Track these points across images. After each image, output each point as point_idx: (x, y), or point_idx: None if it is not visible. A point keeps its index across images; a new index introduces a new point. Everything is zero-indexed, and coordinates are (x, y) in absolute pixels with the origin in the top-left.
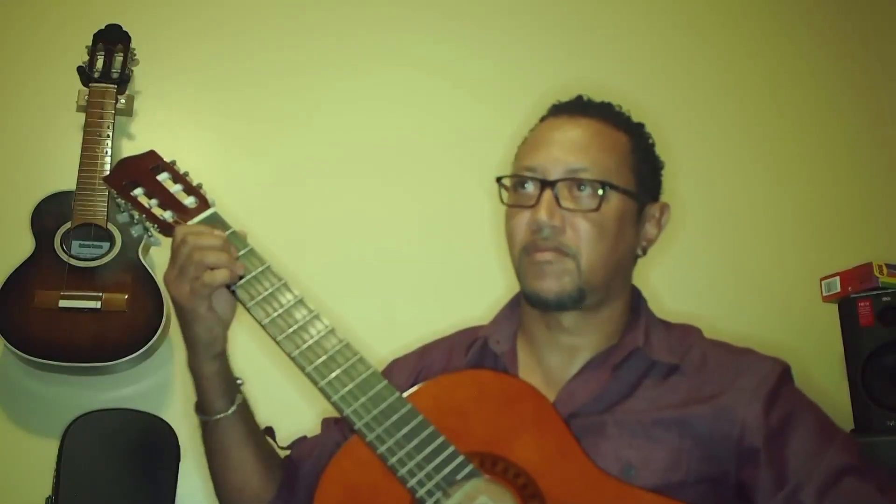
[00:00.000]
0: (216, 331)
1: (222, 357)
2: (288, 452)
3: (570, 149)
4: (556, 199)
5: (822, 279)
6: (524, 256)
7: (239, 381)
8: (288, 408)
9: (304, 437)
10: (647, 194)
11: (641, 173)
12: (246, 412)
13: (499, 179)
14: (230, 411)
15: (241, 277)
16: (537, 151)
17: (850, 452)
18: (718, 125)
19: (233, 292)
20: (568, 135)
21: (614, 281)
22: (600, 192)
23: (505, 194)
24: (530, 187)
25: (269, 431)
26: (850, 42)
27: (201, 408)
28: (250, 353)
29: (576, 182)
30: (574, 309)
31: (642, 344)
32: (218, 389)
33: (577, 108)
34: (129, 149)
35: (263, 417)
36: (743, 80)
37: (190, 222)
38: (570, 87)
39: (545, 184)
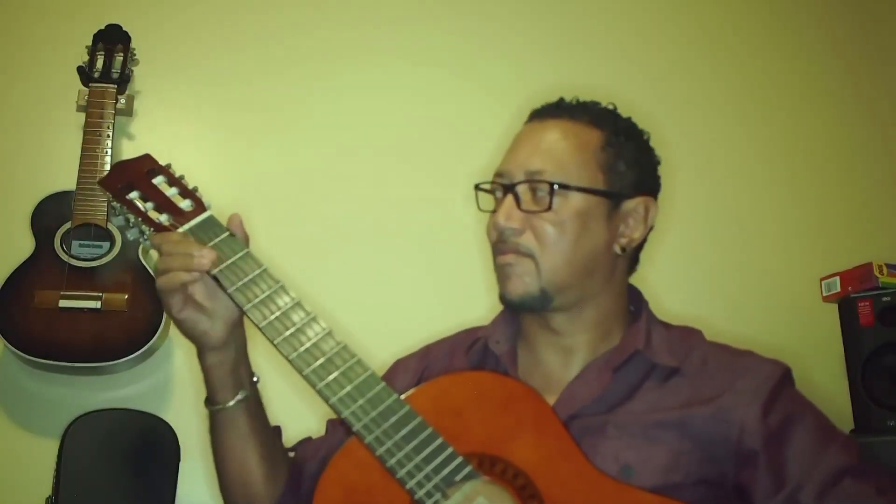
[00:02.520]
0: (201, 327)
1: (223, 350)
2: (292, 454)
3: (531, 152)
4: (518, 201)
5: (822, 279)
6: (494, 259)
7: (255, 379)
8: (291, 411)
9: (309, 439)
10: (624, 190)
11: (615, 169)
12: (253, 407)
13: (476, 186)
14: (230, 403)
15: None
16: (507, 157)
17: (850, 454)
18: (718, 125)
19: (230, 295)
20: (532, 139)
21: (589, 280)
22: (552, 192)
23: (489, 200)
24: (499, 192)
25: (276, 431)
26: (851, 40)
27: (207, 399)
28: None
29: (532, 185)
30: (542, 310)
31: (643, 346)
32: (219, 381)
33: (549, 111)
34: (129, 149)
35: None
36: (744, 79)
37: (186, 225)
38: (564, 88)
39: (507, 188)
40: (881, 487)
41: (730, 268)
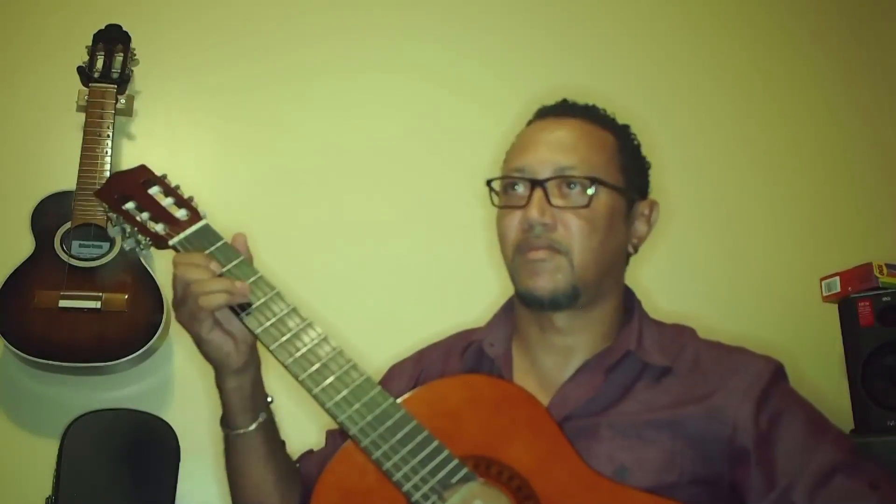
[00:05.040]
0: (225, 349)
1: (243, 374)
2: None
3: (558, 148)
4: (547, 197)
5: (822, 279)
6: (517, 256)
7: (269, 399)
8: (291, 422)
9: (311, 451)
10: (635, 192)
11: (629, 171)
12: (270, 429)
13: (489, 182)
14: (251, 427)
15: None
16: (525, 153)
17: (842, 449)
18: (715, 124)
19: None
20: (555, 135)
21: (606, 279)
22: (590, 189)
23: (495, 198)
24: (520, 188)
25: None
26: (849, 38)
27: (225, 421)
28: None
29: (565, 180)
30: (568, 307)
31: (635, 346)
32: (239, 405)
33: (562, 109)
34: (129, 149)
35: None
36: (740, 77)
37: (181, 235)
38: (558, 90)
39: (535, 183)
40: (873, 482)
41: (730, 268)
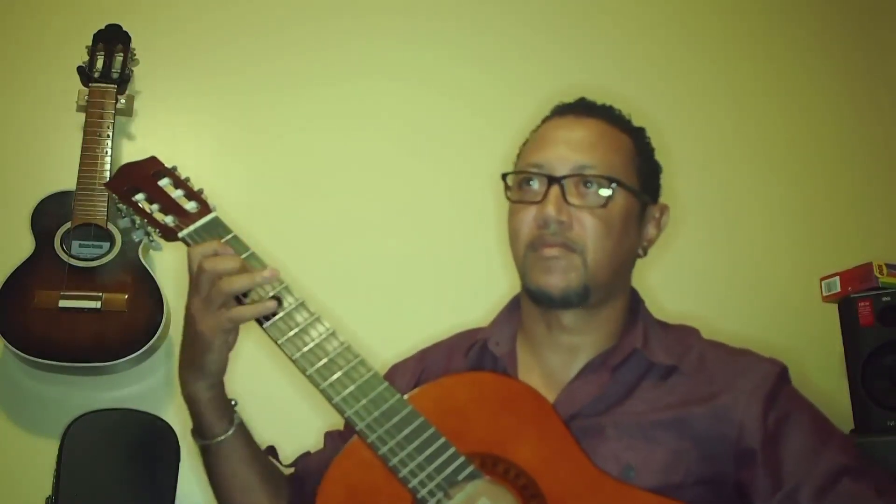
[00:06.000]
0: (225, 356)
1: (220, 382)
2: (292, 470)
3: (577, 146)
4: (564, 194)
5: (821, 279)
6: (530, 252)
7: (233, 402)
8: (290, 425)
9: (308, 453)
10: (648, 195)
11: (644, 174)
12: (245, 432)
13: (504, 176)
14: (230, 433)
15: (273, 314)
16: (543, 149)
17: (848, 453)
18: (717, 127)
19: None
20: (574, 133)
21: (616, 280)
22: (609, 189)
23: (508, 193)
24: (536, 184)
25: (272, 451)
26: (850, 38)
27: (199, 432)
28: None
29: (583, 179)
30: (578, 306)
31: (641, 345)
32: (216, 413)
33: (582, 108)
34: (129, 149)
35: (268, 436)
36: (740, 80)
37: (191, 227)
38: (571, 90)
39: (552, 180)
40: (880, 488)
41: (729, 268)
